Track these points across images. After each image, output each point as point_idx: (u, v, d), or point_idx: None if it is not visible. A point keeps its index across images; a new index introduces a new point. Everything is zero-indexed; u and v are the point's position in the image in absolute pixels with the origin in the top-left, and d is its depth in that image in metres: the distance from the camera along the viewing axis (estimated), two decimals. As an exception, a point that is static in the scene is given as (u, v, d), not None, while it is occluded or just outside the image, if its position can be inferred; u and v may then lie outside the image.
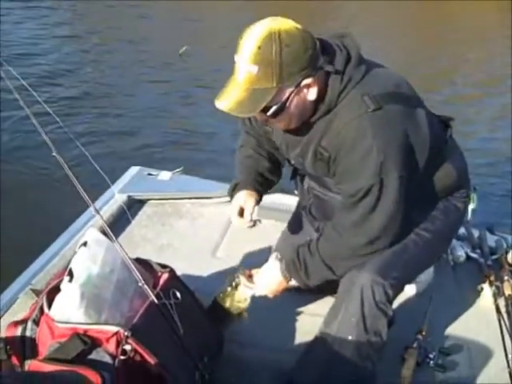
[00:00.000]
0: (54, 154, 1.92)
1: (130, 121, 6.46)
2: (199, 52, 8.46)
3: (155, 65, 8.26)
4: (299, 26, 1.74)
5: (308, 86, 1.79)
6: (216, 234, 3.09)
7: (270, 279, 2.14)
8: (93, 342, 1.71)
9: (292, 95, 1.78)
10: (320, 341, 2.06)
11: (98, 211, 1.95)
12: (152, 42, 9.21)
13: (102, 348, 1.72)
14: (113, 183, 3.18)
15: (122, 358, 1.71)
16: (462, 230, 2.91)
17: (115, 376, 1.68)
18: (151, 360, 1.72)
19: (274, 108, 1.80)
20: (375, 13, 12.12)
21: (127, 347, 1.71)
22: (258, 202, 2.27)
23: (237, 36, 1.76)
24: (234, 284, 2.16)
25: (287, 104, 1.80)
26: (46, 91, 6.60)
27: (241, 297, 2.16)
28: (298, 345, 2.31)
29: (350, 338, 1.98)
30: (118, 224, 2.98)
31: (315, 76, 1.77)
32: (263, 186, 2.30)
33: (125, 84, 7.53)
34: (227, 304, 2.18)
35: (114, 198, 3.16)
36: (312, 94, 1.81)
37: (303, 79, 1.76)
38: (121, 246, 1.83)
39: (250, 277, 2.17)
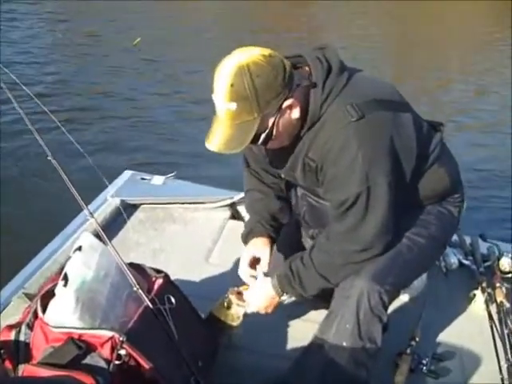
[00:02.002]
0: (49, 157, 1.91)
1: (124, 127, 6.47)
2: (197, 64, 8.45)
3: (150, 72, 8.28)
4: (266, 53, 1.77)
5: (290, 107, 1.82)
6: (209, 239, 3.09)
7: (262, 296, 2.15)
8: (87, 347, 1.70)
9: (276, 120, 1.82)
10: (316, 347, 2.06)
11: (92, 214, 1.94)
12: (150, 50, 9.25)
13: (96, 353, 1.71)
14: (106, 187, 3.19)
15: (117, 362, 1.70)
16: (454, 237, 2.92)
17: (110, 381, 1.67)
18: (146, 365, 1.72)
19: (262, 136, 1.84)
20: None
21: (122, 352, 1.71)
22: (272, 249, 2.29)
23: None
24: (226, 304, 2.19)
25: (274, 129, 1.84)
26: (44, 99, 6.58)
27: (234, 316, 2.20)
28: (293, 351, 2.29)
29: (345, 344, 1.98)
30: (110, 228, 2.97)
31: (294, 95, 1.81)
32: (276, 229, 2.33)
33: (121, 91, 7.53)
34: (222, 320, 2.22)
35: (107, 202, 3.16)
36: (295, 112, 1.85)
37: (283, 102, 1.79)
38: (115, 250, 1.82)
39: (239, 294, 2.19)
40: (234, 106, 1.75)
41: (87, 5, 11.59)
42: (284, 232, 2.43)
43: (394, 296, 2.09)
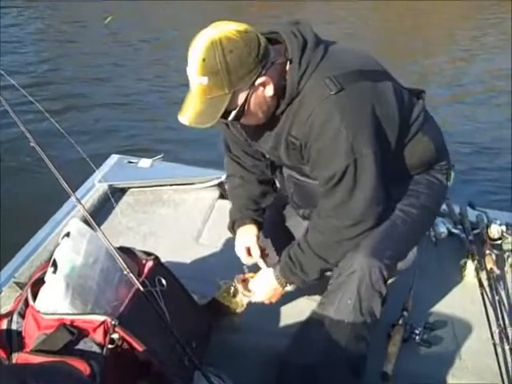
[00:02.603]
0: (32, 144, 1.89)
1: (109, 112, 6.44)
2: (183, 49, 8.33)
3: (131, 56, 8.22)
4: (241, 28, 1.75)
5: (263, 84, 1.81)
6: (198, 220, 3.09)
7: (266, 287, 2.18)
8: (80, 332, 1.70)
9: (248, 96, 1.81)
10: (316, 323, 2.07)
11: (79, 201, 1.93)
12: (134, 34, 9.18)
13: (89, 338, 1.71)
14: (93, 173, 3.18)
15: (110, 346, 1.70)
16: (443, 206, 2.93)
17: (104, 365, 1.67)
18: (139, 347, 1.72)
19: (233, 112, 1.83)
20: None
21: (115, 336, 1.71)
22: (259, 232, 2.33)
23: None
24: (231, 292, 2.21)
25: (246, 106, 1.83)
26: (28, 89, 6.50)
27: (238, 303, 2.22)
28: (291, 328, 2.28)
29: (346, 320, 2.00)
30: (99, 213, 2.98)
31: (269, 72, 1.79)
32: (259, 213, 2.36)
33: (105, 77, 7.47)
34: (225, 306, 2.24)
35: (95, 188, 3.15)
36: (269, 90, 1.83)
37: (256, 79, 1.77)
38: (104, 234, 1.82)
39: (244, 281, 2.21)
40: (205, 80, 1.74)
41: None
42: (267, 215, 2.44)
43: (393, 270, 2.09)
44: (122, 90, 7.08)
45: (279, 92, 1.85)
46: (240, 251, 2.31)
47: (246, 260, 2.30)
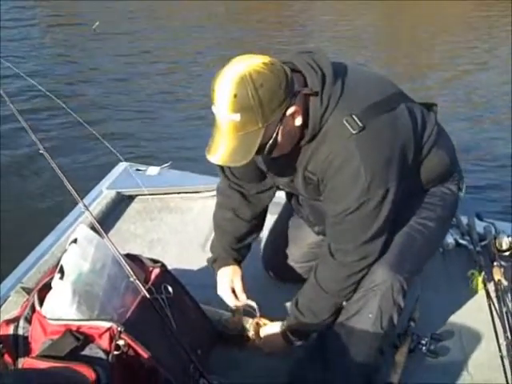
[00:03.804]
0: (41, 151, 1.91)
1: (116, 117, 6.45)
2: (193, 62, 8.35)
3: (140, 61, 8.23)
4: (266, 60, 1.70)
5: (293, 115, 1.77)
6: (205, 227, 3.08)
7: (275, 346, 2.21)
8: (86, 338, 1.71)
9: (280, 128, 1.76)
10: (333, 336, 2.07)
11: (87, 207, 1.94)
12: (141, 40, 9.22)
13: (95, 344, 1.71)
14: (101, 179, 3.19)
15: (116, 353, 1.70)
16: (450, 218, 2.93)
17: (109, 371, 1.67)
18: (145, 354, 1.72)
19: (267, 146, 1.78)
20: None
21: (120, 342, 1.70)
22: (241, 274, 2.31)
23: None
24: (244, 333, 2.25)
25: (278, 137, 1.78)
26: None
27: (249, 338, 2.26)
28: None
29: (366, 334, 2.00)
30: (107, 220, 2.99)
31: (296, 102, 1.76)
32: (243, 252, 2.34)
33: (114, 82, 7.50)
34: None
35: (103, 195, 3.17)
36: (298, 120, 1.79)
37: (286, 110, 1.73)
38: (111, 241, 1.82)
39: (257, 325, 2.23)
40: (237, 116, 1.68)
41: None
42: (283, 221, 2.49)
43: (411, 282, 2.08)
44: (131, 97, 7.11)
45: (304, 122, 1.82)
46: (225, 292, 2.26)
47: (231, 302, 2.26)
